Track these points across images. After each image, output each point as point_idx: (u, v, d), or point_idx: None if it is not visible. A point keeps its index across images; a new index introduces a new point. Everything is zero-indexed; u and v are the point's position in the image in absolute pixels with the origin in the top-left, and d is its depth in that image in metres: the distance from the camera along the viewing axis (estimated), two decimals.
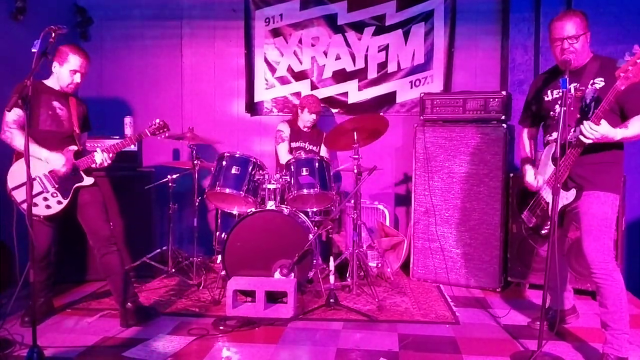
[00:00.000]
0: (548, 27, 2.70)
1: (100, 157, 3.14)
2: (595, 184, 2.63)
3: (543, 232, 2.85)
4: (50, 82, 3.15)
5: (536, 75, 4.42)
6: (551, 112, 2.80)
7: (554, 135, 2.74)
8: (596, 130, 2.43)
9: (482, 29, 4.76)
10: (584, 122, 2.47)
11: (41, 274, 3.16)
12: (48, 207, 3.07)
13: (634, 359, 2.68)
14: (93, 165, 3.16)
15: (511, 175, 3.94)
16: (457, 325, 3.26)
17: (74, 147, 3.15)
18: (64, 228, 3.28)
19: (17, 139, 2.96)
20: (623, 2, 4.13)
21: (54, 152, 3.05)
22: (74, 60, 3.09)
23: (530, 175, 2.94)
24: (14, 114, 2.92)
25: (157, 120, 3.35)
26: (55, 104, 3.12)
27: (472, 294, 3.92)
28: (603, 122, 2.44)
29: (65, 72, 3.09)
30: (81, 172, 3.16)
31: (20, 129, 2.97)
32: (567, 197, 2.67)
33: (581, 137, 2.48)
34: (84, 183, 3.18)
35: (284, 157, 4.38)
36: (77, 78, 3.14)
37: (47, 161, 3.03)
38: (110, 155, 3.18)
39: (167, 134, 3.41)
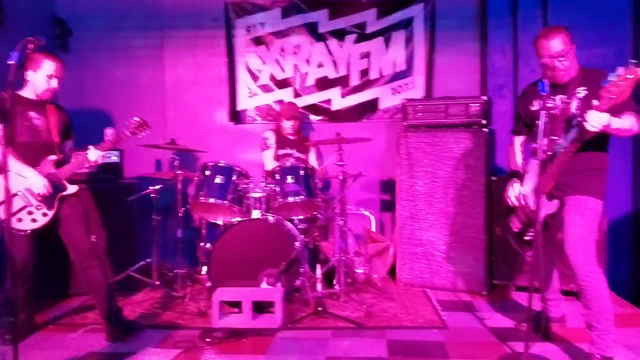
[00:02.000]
0: (534, 45, 2.74)
1: (95, 155, 3.08)
2: (579, 189, 2.67)
3: (526, 237, 2.88)
4: (25, 93, 3.08)
5: (515, 78, 4.49)
6: (536, 121, 2.83)
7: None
8: (601, 117, 2.37)
9: (462, 34, 4.81)
10: (589, 111, 2.41)
11: (20, 289, 3.10)
12: (34, 220, 3.01)
13: (620, 358, 2.71)
14: (86, 165, 3.10)
15: (493, 178, 3.98)
16: (445, 329, 3.26)
17: (54, 157, 3.10)
18: (45, 242, 3.21)
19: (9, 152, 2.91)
20: (600, 6, 4.20)
21: (36, 171, 2.99)
22: (48, 66, 3.03)
23: (511, 191, 2.94)
24: None
25: (136, 119, 3.23)
26: (32, 114, 3.06)
27: (458, 297, 3.94)
28: (605, 113, 2.41)
29: (41, 77, 3.04)
30: (63, 181, 3.10)
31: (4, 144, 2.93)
32: (549, 207, 2.70)
33: (586, 125, 2.41)
34: (68, 192, 3.12)
35: (269, 163, 4.38)
36: (54, 83, 3.09)
37: (30, 181, 2.97)
38: (103, 154, 3.12)
39: (147, 132, 3.28)
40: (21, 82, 3.07)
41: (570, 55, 2.67)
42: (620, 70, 2.27)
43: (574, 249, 2.64)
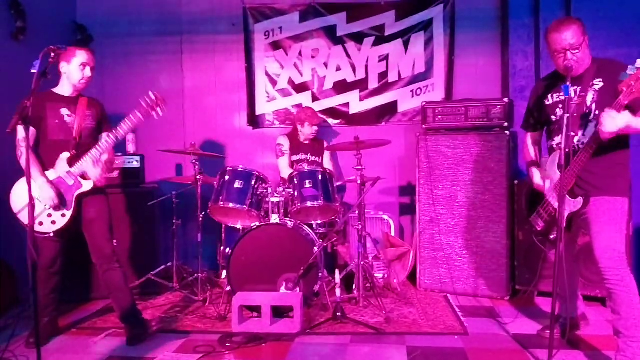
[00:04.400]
0: (545, 38, 2.67)
1: (105, 141, 3.10)
2: (602, 189, 2.60)
3: (551, 236, 2.82)
4: (59, 89, 3.15)
5: (537, 80, 4.41)
6: (552, 117, 2.78)
7: (557, 140, 2.72)
8: (618, 117, 2.35)
9: (482, 36, 4.76)
10: (605, 109, 2.38)
11: (45, 286, 3.15)
12: (54, 222, 3.06)
13: None
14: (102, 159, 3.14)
15: (516, 182, 3.91)
16: (466, 336, 3.21)
17: (67, 154, 3.09)
18: (67, 245, 3.25)
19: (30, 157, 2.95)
20: (623, 6, 4.11)
21: (47, 183, 3.01)
22: (81, 54, 3.11)
23: (537, 178, 2.90)
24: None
25: (150, 94, 3.19)
26: (64, 111, 3.12)
27: (480, 303, 3.88)
28: (625, 112, 2.37)
29: (75, 67, 3.10)
30: (78, 179, 3.10)
31: (34, 146, 3.01)
32: (574, 205, 2.64)
33: (602, 128, 2.39)
34: (83, 189, 3.12)
35: (285, 171, 4.38)
36: (88, 72, 3.15)
37: (39, 190, 2.98)
38: (103, 166, 3.15)
39: (164, 109, 3.22)
40: (55, 80, 3.13)
41: (583, 47, 2.58)
42: None
43: (603, 252, 2.56)
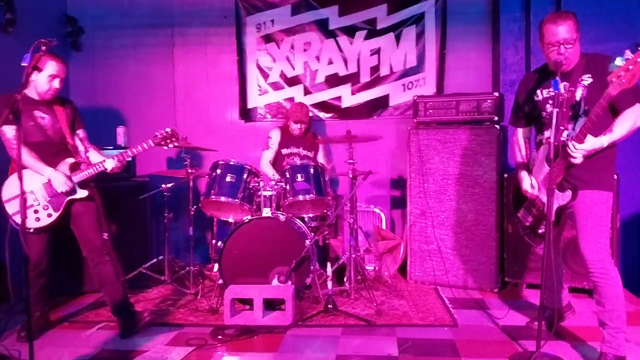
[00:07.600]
0: (540, 29, 2.66)
1: (112, 164, 3.14)
2: (589, 182, 2.63)
3: (540, 231, 2.85)
4: (29, 92, 3.08)
5: (525, 75, 4.43)
6: (542, 112, 2.80)
7: (546, 134, 2.74)
8: (581, 148, 2.46)
9: (473, 30, 4.78)
10: (569, 143, 2.49)
11: (34, 285, 3.13)
12: (37, 219, 3.06)
13: (632, 357, 2.69)
14: (99, 170, 3.14)
15: (505, 175, 3.94)
16: (456, 327, 3.26)
17: (71, 160, 3.14)
18: (59, 239, 3.26)
19: (24, 154, 2.94)
20: (612, 1, 4.14)
21: (57, 170, 3.05)
22: (51, 66, 3.03)
23: (526, 183, 2.88)
24: (14, 130, 2.90)
25: (168, 130, 3.26)
26: (37, 113, 3.08)
27: (470, 295, 3.92)
28: (588, 137, 2.45)
29: (43, 78, 3.03)
30: (75, 186, 3.14)
31: (24, 144, 2.99)
32: (562, 198, 2.67)
33: (570, 159, 2.51)
34: (77, 196, 3.15)
35: (264, 163, 4.41)
36: (56, 83, 3.09)
37: (50, 180, 3.02)
38: (121, 162, 3.19)
39: (176, 143, 3.32)
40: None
41: (576, 43, 2.59)
42: (629, 54, 2.24)
43: (587, 245, 2.61)
